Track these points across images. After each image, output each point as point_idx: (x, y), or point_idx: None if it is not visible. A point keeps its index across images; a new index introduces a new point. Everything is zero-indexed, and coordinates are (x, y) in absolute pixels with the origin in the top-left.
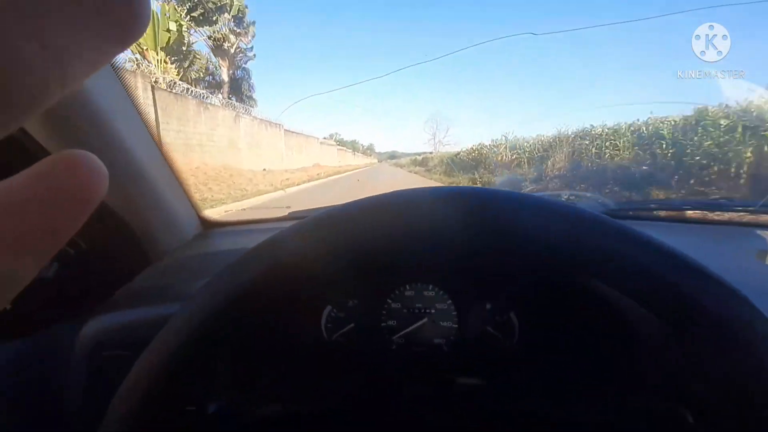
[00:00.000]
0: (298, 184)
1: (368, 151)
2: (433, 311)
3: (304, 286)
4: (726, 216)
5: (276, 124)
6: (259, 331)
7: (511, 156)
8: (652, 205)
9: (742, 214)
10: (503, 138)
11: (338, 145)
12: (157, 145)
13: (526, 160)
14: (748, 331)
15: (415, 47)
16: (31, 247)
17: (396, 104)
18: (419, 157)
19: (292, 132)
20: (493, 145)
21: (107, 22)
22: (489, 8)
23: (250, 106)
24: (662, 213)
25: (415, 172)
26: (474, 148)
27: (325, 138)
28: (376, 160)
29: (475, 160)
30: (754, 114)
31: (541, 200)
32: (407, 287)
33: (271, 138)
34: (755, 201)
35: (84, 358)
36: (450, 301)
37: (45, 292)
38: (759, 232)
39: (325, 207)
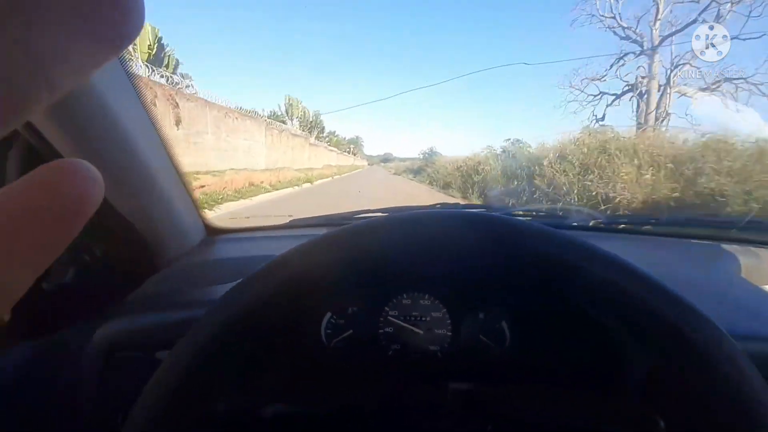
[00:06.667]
0: None
1: (354, 147)
2: (428, 319)
3: (309, 296)
4: (714, 233)
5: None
6: (264, 336)
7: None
8: (640, 220)
9: (725, 231)
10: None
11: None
12: (167, 152)
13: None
14: (708, 348)
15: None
16: (26, 258)
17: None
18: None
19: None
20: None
21: (97, 25)
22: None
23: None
24: (649, 228)
25: None
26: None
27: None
28: (365, 163)
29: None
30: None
31: (553, 232)
32: (404, 296)
33: None
34: (741, 218)
35: (98, 358)
36: (445, 310)
37: (63, 296)
38: (742, 248)
39: (324, 216)
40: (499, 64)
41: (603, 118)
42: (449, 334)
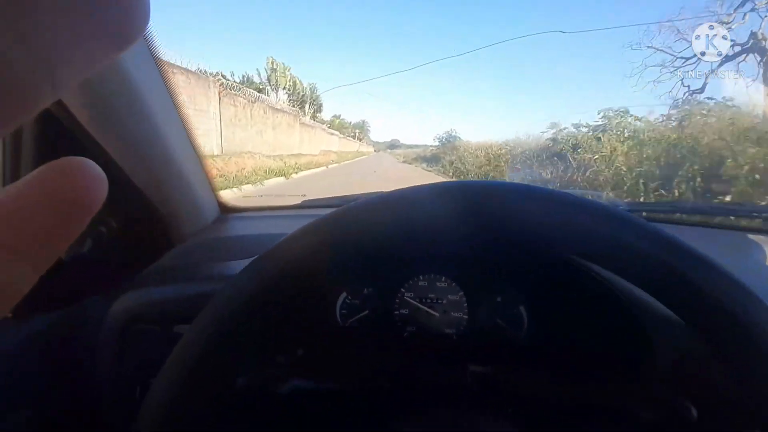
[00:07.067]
0: None
1: (360, 132)
2: (445, 302)
3: (321, 274)
4: (738, 222)
5: None
6: (281, 313)
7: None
8: (664, 208)
9: (757, 220)
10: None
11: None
12: (186, 132)
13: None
14: (760, 330)
15: (435, 36)
16: (30, 255)
17: (403, 89)
18: None
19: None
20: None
21: (101, 24)
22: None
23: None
24: (675, 216)
25: None
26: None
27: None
28: (372, 149)
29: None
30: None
31: (548, 191)
32: (420, 278)
33: None
34: (766, 207)
35: (115, 330)
36: (461, 293)
37: (79, 268)
38: None
39: (337, 197)
40: (529, 33)
41: (703, 89)
42: (465, 317)
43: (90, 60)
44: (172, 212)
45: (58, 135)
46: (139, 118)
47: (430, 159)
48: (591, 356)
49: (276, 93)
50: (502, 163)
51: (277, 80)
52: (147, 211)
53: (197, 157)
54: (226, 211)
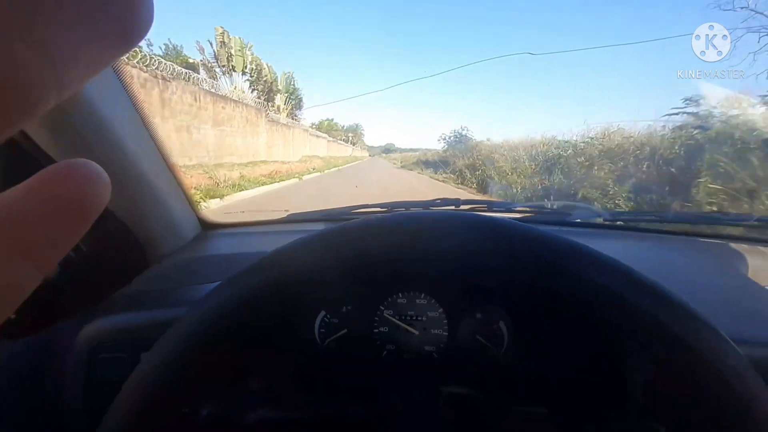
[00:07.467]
0: None
1: (353, 136)
2: (424, 319)
3: (301, 295)
4: (721, 230)
5: None
6: (251, 337)
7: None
8: (646, 217)
9: (737, 229)
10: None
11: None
12: (156, 144)
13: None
14: (712, 359)
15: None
16: (34, 258)
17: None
18: None
19: None
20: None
21: (107, 24)
22: (491, 27)
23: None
24: (654, 225)
25: None
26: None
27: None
28: (366, 154)
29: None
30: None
31: (562, 240)
32: (400, 295)
33: None
34: (750, 216)
35: (82, 359)
36: (441, 310)
37: (46, 294)
38: (750, 247)
39: (322, 210)
40: (505, 54)
41: None
42: (445, 334)
43: (96, 60)
44: (147, 232)
45: (18, 163)
46: (104, 138)
47: (435, 164)
48: (565, 381)
49: (230, 77)
50: (605, 172)
51: (230, 59)
52: (119, 233)
53: (171, 171)
54: (208, 227)
